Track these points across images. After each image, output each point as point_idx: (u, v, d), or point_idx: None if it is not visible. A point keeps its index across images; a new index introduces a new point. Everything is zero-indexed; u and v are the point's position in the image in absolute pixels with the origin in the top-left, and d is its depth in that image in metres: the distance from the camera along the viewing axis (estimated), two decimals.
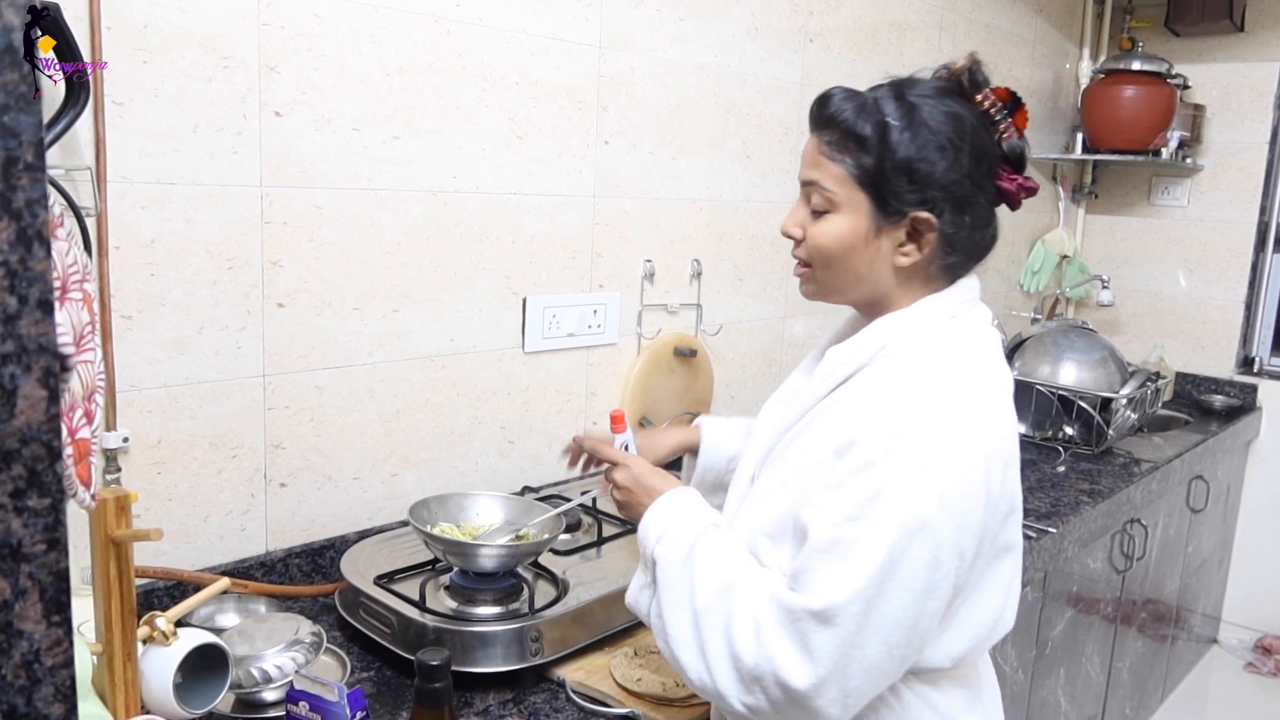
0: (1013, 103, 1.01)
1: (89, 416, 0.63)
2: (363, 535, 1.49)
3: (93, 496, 0.60)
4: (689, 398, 2.04)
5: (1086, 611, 2.28)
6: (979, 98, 0.99)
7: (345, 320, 1.46)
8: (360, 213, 1.45)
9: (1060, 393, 2.46)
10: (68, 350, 0.58)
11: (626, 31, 1.78)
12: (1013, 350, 2.61)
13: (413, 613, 1.22)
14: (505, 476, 1.72)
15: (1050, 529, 1.92)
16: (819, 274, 1.03)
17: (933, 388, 0.92)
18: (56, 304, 0.64)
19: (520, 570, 1.32)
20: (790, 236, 1.04)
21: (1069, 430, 2.51)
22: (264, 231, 1.35)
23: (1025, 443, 2.47)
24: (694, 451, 1.32)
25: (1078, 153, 3.21)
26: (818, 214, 1.00)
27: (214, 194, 1.29)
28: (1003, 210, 1.03)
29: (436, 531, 1.29)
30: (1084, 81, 3.26)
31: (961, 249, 0.99)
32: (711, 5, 1.94)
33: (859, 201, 0.98)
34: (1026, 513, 1.96)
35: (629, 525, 1.56)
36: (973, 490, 0.89)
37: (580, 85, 1.72)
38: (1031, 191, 1.01)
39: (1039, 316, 3.23)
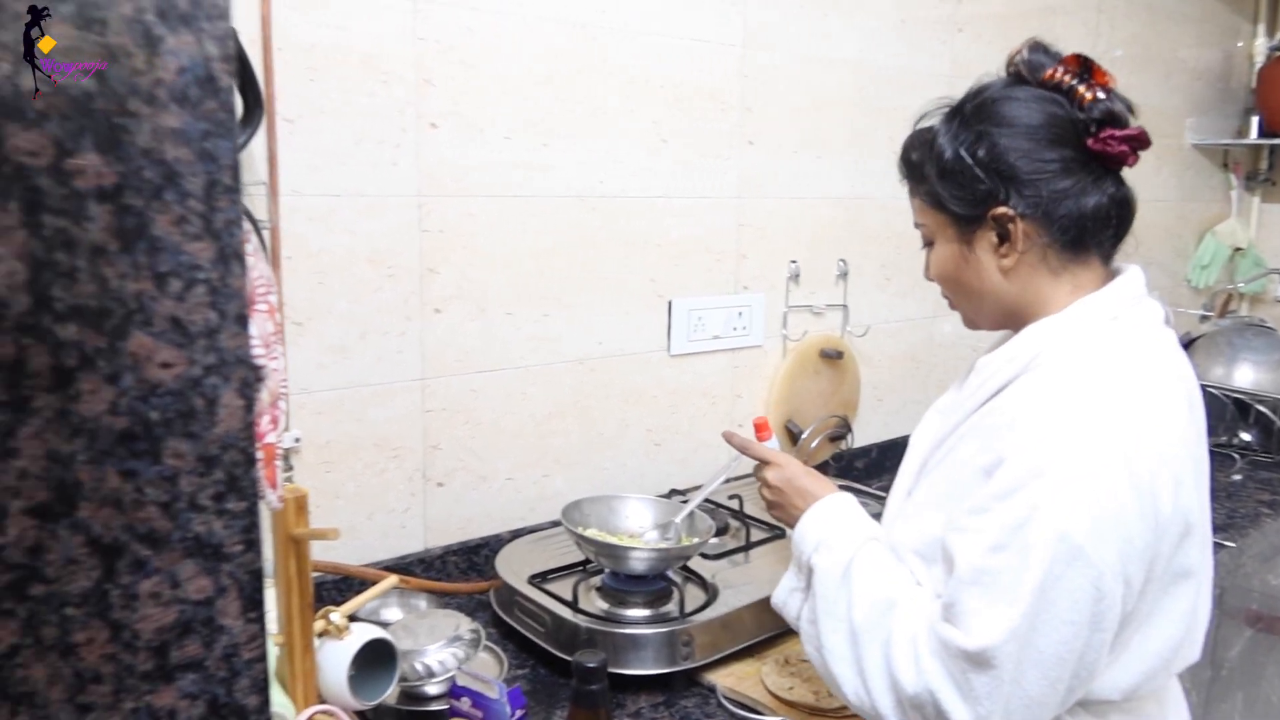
0: (1085, 66, 0.95)
1: (275, 422, 0.67)
2: (516, 534, 1.52)
3: (279, 498, 0.63)
4: (835, 400, 2.00)
5: (1267, 632, 2.11)
6: (1046, 75, 0.94)
7: (498, 325, 1.49)
8: (511, 219, 1.48)
9: (1236, 396, 2.29)
10: (261, 361, 0.61)
11: (769, 30, 1.76)
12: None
13: (566, 613, 1.24)
14: (653, 479, 1.73)
15: (1227, 543, 1.79)
16: (957, 305, 1.05)
17: (1087, 399, 0.86)
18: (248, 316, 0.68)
19: (670, 574, 1.32)
20: (930, 280, 1.06)
21: (1245, 436, 2.33)
22: (421, 240, 1.40)
23: None
24: None
25: (1253, 137, 2.98)
26: (928, 249, 1.03)
27: (375, 205, 1.35)
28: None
29: (588, 533, 1.31)
30: (1259, 60, 3.03)
31: (1061, 227, 0.93)
32: None
33: (941, 223, 0.98)
34: None
35: (777, 530, 1.55)
36: (1134, 512, 0.82)
37: (723, 86, 1.71)
38: (1137, 141, 0.93)
39: (1210, 314, 3.01)
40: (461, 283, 1.44)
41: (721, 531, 1.52)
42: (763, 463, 1.14)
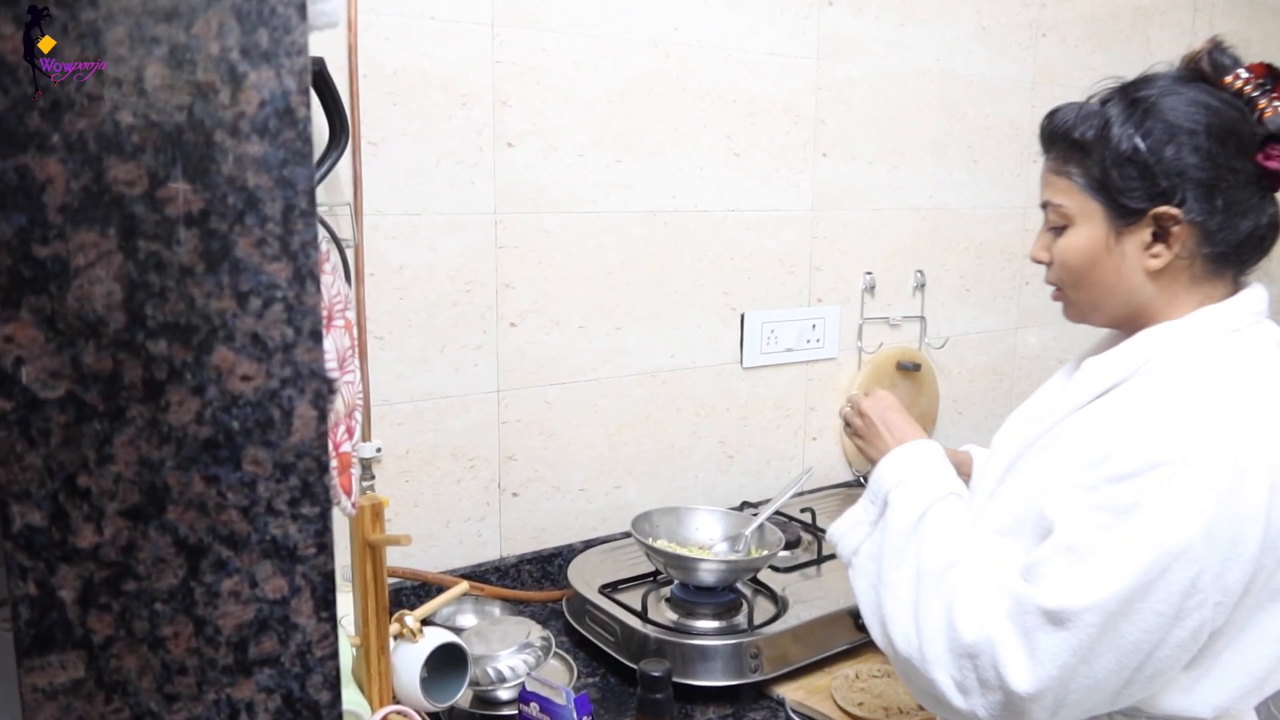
0: (1272, 76, 0.90)
1: (350, 432, 0.70)
2: (588, 544, 1.55)
3: (353, 504, 0.66)
4: (913, 413, 1.95)
5: None
6: (1228, 80, 0.90)
7: (572, 338, 1.52)
8: (585, 235, 1.51)
9: None
10: (333, 374, 0.65)
11: (844, 41, 1.76)
12: None
13: (635, 623, 1.26)
14: (724, 491, 1.74)
15: None
16: (1071, 294, 0.99)
17: (1209, 403, 0.83)
18: (324, 331, 0.72)
19: (740, 586, 1.33)
20: (1039, 261, 1.00)
21: None
22: (498, 255, 1.44)
23: None
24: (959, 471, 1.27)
25: None
26: (1057, 233, 0.97)
27: (453, 222, 1.39)
28: None
29: (657, 545, 1.33)
30: None
31: (1222, 240, 0.90)
32: (933, 7, 1.88)
33: (1092, 210, 0.93)
34: None
35: None
36: (1248, 521, 0.80)
37: (797, 99, 1.72)
38: None
39: None
40: (536, 297, 1.48)
41: (793, 545, 1.52)
42: (866, 393, 1.13)
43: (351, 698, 0.90)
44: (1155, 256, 0.91)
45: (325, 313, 0.70)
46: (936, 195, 1.96)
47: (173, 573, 0.53)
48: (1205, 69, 0.91)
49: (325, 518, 0.57)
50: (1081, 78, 2.23)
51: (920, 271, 1.96)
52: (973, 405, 2.12)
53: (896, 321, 1.94)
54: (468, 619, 1.35)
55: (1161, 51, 2.31)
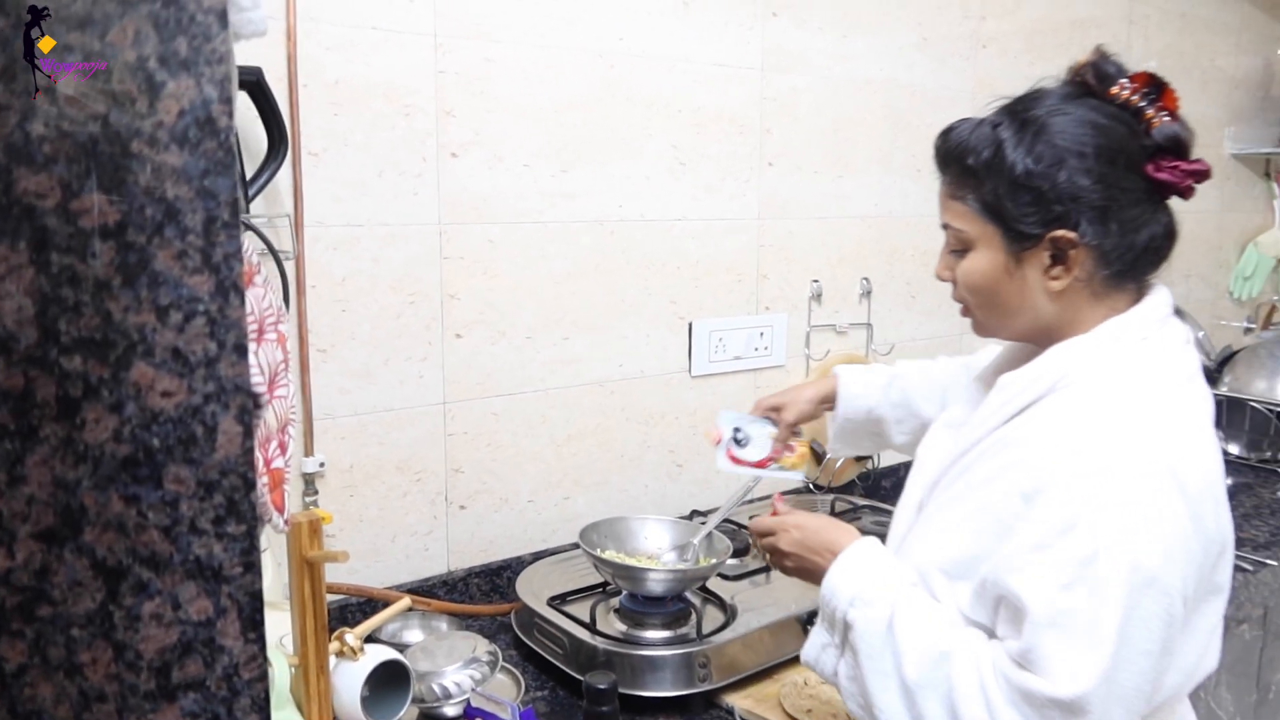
0: (1154, 86, 0.91)
1: (283, 447, 0.69)
2: (538, 556, 1.54)
3: (286, 521, 0.65)
4: None
5: None
6: (1113, 91, 0.91)
7: (519, 349, 1.51)
8: (531, 245, 1.51)
9: (1274, 409, 2.24)
10: (260, 389, 0.63)
11: (789, 53, 1.78)
12: (1222, 364, 2.41)
13: (584, 634, 1.25)
14: (674, 500, 1.74)
15: (1270, 560, 1.75)
16: (977, 314, 0.99)
17: (1129, 422, 0.84)
18: (254, 345, 0.71)
19: (688, 595, 1.33)
20: (943, 279, 1.01)
21: None
22: (442, 266, 1.42)
23: (1239, 465, 2.26)
24: (832, 402, 1.33)
25: None
26: (958, 254, 0.97)
27: (397, 233, 1.38)
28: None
29: (606, 556, 1.32)
30: None
31: (1119, 259, 0.91)
32: (876, 19, 1.90)
33: (989, 234, 0.93)
34: (1241, 542, 1.79)
35: None
36: (1192, 531, 0.82)
37: (743, 109, 1.73)
38: (1200, 175, 0.91)
39: (1253, 326, 2.95)
40: (482, 308, 1.47)
41: (741, 552, 1.52)
42: (768, 532, 1.08)
43: (290, 718, 0.88)
44: (1055, 279, 0.92)
45: (255, 326, 0.69)
46: (882, 203, 1.98)
47: (90, 596, 0.51)
48: (1091, 81, 0.92)
49: (252, 536, 0.56)
50: (1020, 87, 2.26)
51: (866, 279, 1.98)
52: None
53: (844, 328, 1.96)
54: (414, 634, 1.33)
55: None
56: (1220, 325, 2.95)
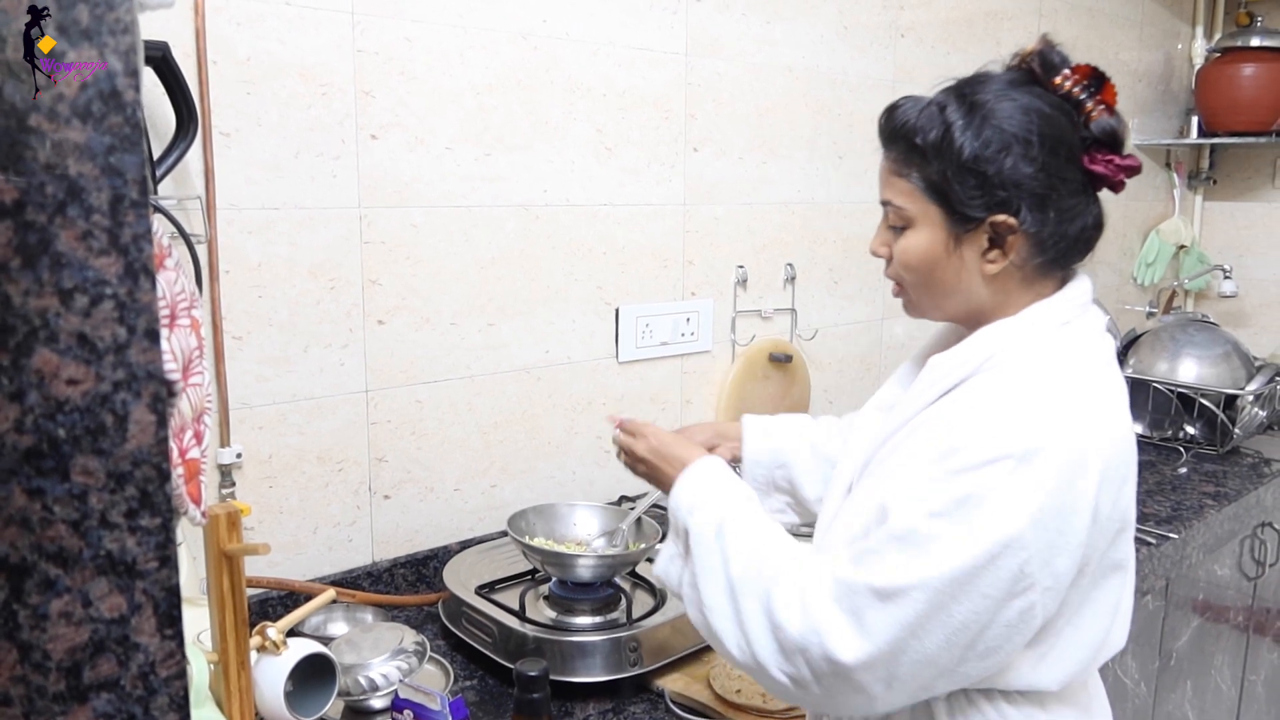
0: (1095, 79, 0.94)
1: (198, 437, 0.67)
2: (464, 545, 1.52)
3: (204, 513, 0.63)
4: (785, 404, 2.01)
5: (1215, 621, 2.16)
6: (1056, 80, 0.93)
7: (443, 335, 1.49)
8: (455, 229, 1.48)
9: (1180, 390, 2.34)
10: (173, 376, 0.61)
11: (712, 38, 1.78)
12: (1126, 347, 2.50)
13: (513, 622, 1.24)
14: (602, 486, 1.73)
15: (1171, 534, 1.83)
16: (911, 292, 1.01)
17: (1043, 400, 0.87)
18: (166, 331, 0.68)
19: (618, 580, 1.33)
20: (878, 255, 1.02)
21: (1190, 430, 2.38)
22: (363, 251, 1.39)
23: (1143, 444, 2.36)
24: (730, 439, 1.28)
25: (1193, 137, 3.05)
26: (897, 231, 0.98)
27: (315, 217, 1.34)
28: (1112, 199, 0.97)
29: (535, 543, 1.31)
30: (1198, 62, 3.10)
31: (1052, 247, 0.94)
32: (798, 6, 1.92)
33: (932, 214, 0.94)
34: (1145, 518, 1.87)
35: None
36: (1077, 509, 0.84)
37: (667, 94, 1.73)
38: (1132, 170, 0.94)
39: (1155, 310, 3.08)
40: (405, 293, 1.44)
41: None
42: (628, 435, 1.14)
43: (209, 716, 0.86)
44: (991, 262, 0.94)
45: (167, 311, 0.66)
46: (805, 189, 2.01)
47: None
48: (1037, 69, 0.94)
49: (168, 529, 0.53)
50: (937, 76, 2.30)
51: (790, 264, 2.00)
52: (843, 395, 2.18)
53: (768, 314, 1.98)
54: (338, 627, 1.31)
55: (1010, 53, 2.42)
56: (1125, 310, 3.07)
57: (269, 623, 0.88)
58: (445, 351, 1.50)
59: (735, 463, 1.25)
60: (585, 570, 1.26)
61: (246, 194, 1.28)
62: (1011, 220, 0.91)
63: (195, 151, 1.22)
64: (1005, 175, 0.91)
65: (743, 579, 0.91)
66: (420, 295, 1.46)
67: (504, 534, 1.49)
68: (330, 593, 0.98)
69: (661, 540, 1.42)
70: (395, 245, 1.42)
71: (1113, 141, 0.93)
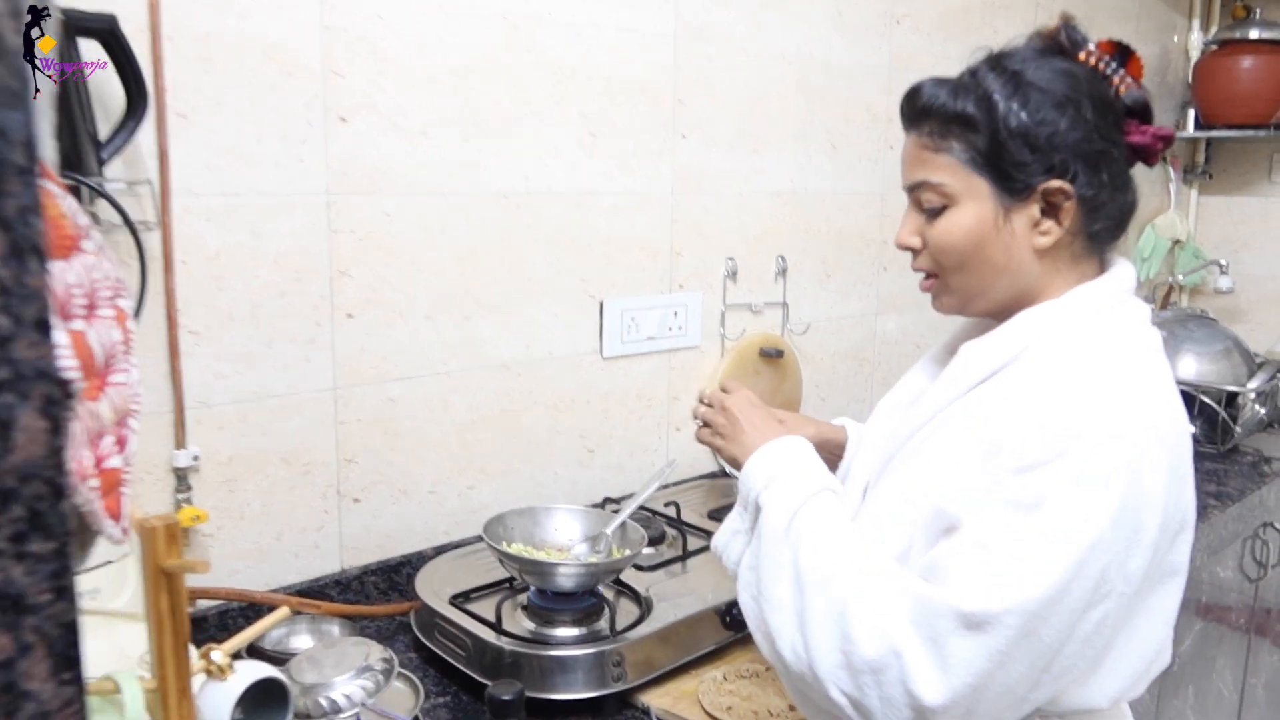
0: (1121, 53, 0.91)
1: (121, 443, 0.59)
2: (440, 550, 1.44)
3: (124, 530, 0.55)
4: (777, 400, 1.94)
5: (1217, 623, 2.10)
6: (1082, 56, 0.89)
7: (417, 330, 1.41)
8: (430, 218, 1.40)
9: (1180, 387, 2.28)
10: (71, 375, 0.53)
11: (703, 22, 1.70)
12: None
13: (489, 635, 1.17)
14: (585, 487, 1.66)
15: None
16: (952, 280, 0.92)
17: (1103, 387, 0.80)
18: (83, 323, 0.60)
19: (601, 588, 1.25)
20: (909, 248, 0.94)
21: (1190, 428, 2.32)
22: (332, 241, 1.31)
23: None
24: (833, 450, 1.15)
25: (1189, 130, 2.99)
26: (932, 215, 0.91)
27: (280, 204, 1.26)
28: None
29: (512, 549, 1.24)
30: (1194, 54, 3.05)
31: (1105, 214, 0.88)
32: None
33: (978, 187, 0.88)
34: None
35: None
36: (1149, 504, 0.77)
37: (655, 79, 1.65)
38: (1168, 140, 0.90)
39: (1152, 305, 3.02)
40: (377, 285, 1.36)
41: (656, 541, 1.45)
42: (720, 389, 1.05)
43: None
44: (1044, 233, 0.88)
45: (85, 300, 0.58)
46: (797, 180, 1.93)
47: None
48: (1064, 43, 0.89)
49: (64, 555, 0.46)
50: (934, 65, 2.25)
51: (782, 257, 1.93)
52: (835, 391, 2.11)
53: (759, 308, 1.91)
54: (303, 640, 1.23)
55: (1007, 42, 2.36)
56: None
57: (215, 644, 0.81)
58: (419, 346, 1.42)
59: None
60: (566, 579, 1.18)
61: (205, 179, 1.20)
62: (1066, 185, 0.86)
63: (149, 133, 1.14)
64: (1059, 137, 0.85)
65: (815, 576, 0.82)
66: (393, 287, 1.38)
67: (481, 539, 1.41)
68: (284, 610, 0.90)
69: (651, 545, 1.36)
70: (366, 234, 1.34)
71: (1145, 112, 0.90)
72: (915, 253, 0.95)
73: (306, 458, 1.32)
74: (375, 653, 1.06)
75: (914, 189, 0.92)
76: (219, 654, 0.80)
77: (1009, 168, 0.86)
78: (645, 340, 1.71)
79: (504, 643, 1.15)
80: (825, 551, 0.83)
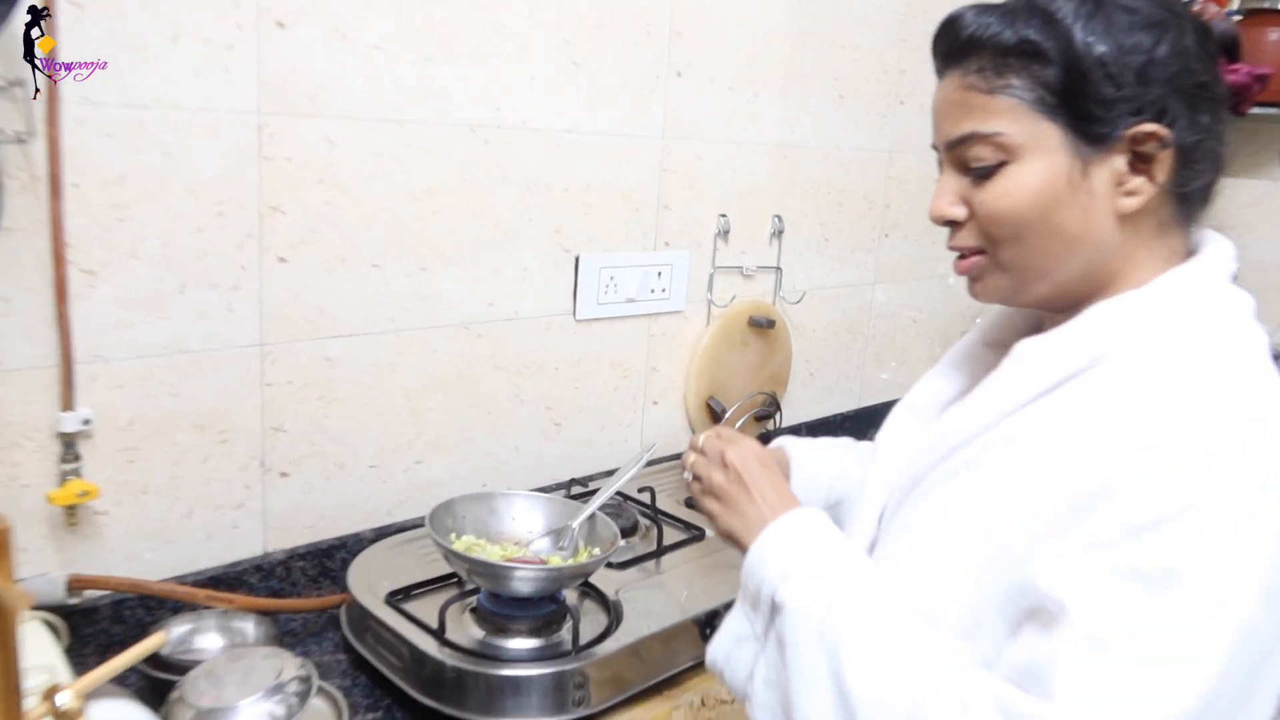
0: None
1: None
2: (381, 534, 1.26)
3: None
4: (764, 374, 1.77)
5: None
6: None
7: (362, 279, 1.21)
8: (383, 149, 1.20)
9: None
10: None
11: None
12: None
13: (429, 645, 0.99)
14: (550, 464, 1.48)
15: None
16: (1006, 255, 0.73)
17: (1224, 405, 0.62)
18: None
19: (563, 593, 1.08)
20: (950, 220, 0.75)
21: None
22: (262, 169, 1.11)
23: None
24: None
25: None
26: (983, 176, 0.71)
27: (199, 121, 1.05)
28: None
29: (460, 544, 1.06)
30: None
31: (1203, 171, 0.70)
32: None
33: (1047, 134, 0.69)
34: None
35: (696, 530, 1.32)
36: None
37: (651, 5, 1.45)
38: (1265, 78, 0.72)
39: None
40: (316, 225, 1.16)
41: (629, 532, 1.29)
42: (708, 445, 0.84)
43: None
44: (1131, 193, 0.69)
45: None
46: (799, 131, 1.74)
47: None
48: None
49: None
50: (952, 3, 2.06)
51: (778, 216, 1.75)
52: (826, 366, 1.94)
53: (750, 271, 1.73)
54: (211, 639, 1.05)
55: None
56: None
57: (59, 685, 0.63)
58: (364, 298, 1.22)
59: None
60: (522, 584, 1.01)
61: (105, 86, 0.99)
62: (1161, 130, 0.67)
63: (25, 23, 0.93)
64: (1155, 68, 0.67)
65: (867, 691, 0.64)
66: (335, 228, 1.18)
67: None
68: (159, 637, 0.72)
69: (624, 537, 1.19)
70: (304, 164, 1.14)
71: (1235, 47, 0.72)
72: (955, 227, 0.76)
73: (225, 424, 1.13)
74: (290, 668, 0.88)
75: (957, 144, 0.73)
76: (68, 695, 0.62)
77: (1092, 105, 0.68)
78: (624, 302, 1.52)
79: (446, 655, 0.98)
80: (879, 656, 0.65)
